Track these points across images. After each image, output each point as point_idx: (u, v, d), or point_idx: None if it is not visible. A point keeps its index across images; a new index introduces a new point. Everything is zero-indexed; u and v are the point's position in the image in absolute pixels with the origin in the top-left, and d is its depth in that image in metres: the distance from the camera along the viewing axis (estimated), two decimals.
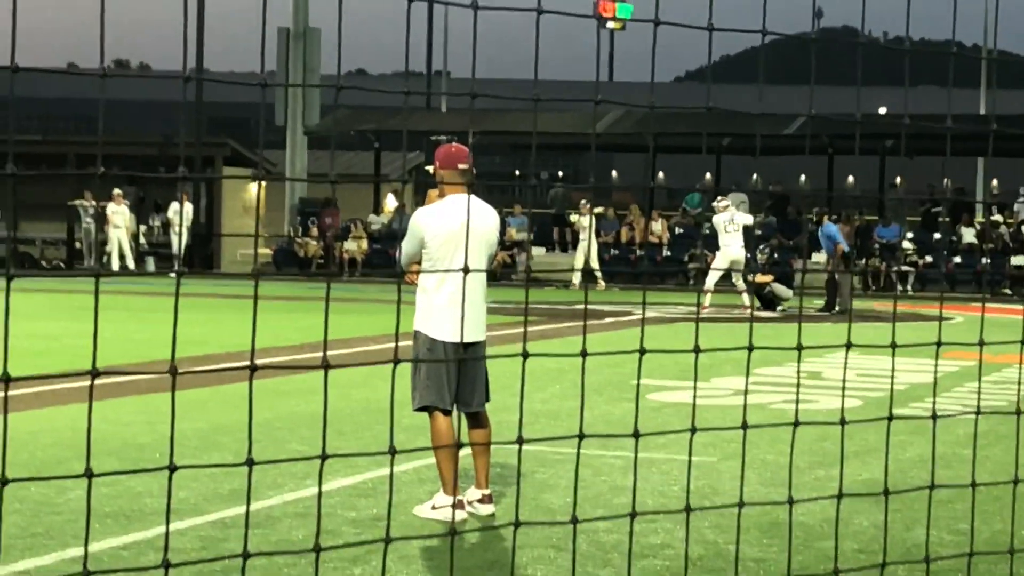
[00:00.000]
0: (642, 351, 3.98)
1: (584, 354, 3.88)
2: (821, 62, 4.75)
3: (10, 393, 3.24)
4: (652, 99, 3.87)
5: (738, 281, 27.96)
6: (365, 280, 37.13)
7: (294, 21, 44.08)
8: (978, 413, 5.22)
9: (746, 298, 27.45)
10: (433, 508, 8.65)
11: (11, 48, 2.86)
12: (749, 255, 27.88)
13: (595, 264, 34.31)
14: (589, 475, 9.87)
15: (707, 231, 30.84)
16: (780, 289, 28.16)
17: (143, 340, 17.91)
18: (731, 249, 27.27)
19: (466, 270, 4.08)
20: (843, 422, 4.57)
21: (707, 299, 27.26)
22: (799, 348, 4.42)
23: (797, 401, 4.62)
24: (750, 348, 4.23)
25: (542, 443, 10.26)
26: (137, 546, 7.74)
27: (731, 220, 27.42)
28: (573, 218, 38.12)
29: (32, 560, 7.35)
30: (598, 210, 36.24)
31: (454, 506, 6.03)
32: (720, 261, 27.26)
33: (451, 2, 3.63)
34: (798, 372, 4.47)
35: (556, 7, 3.79)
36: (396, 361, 3.53)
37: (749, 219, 28.06)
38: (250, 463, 3.40)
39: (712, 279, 27.67)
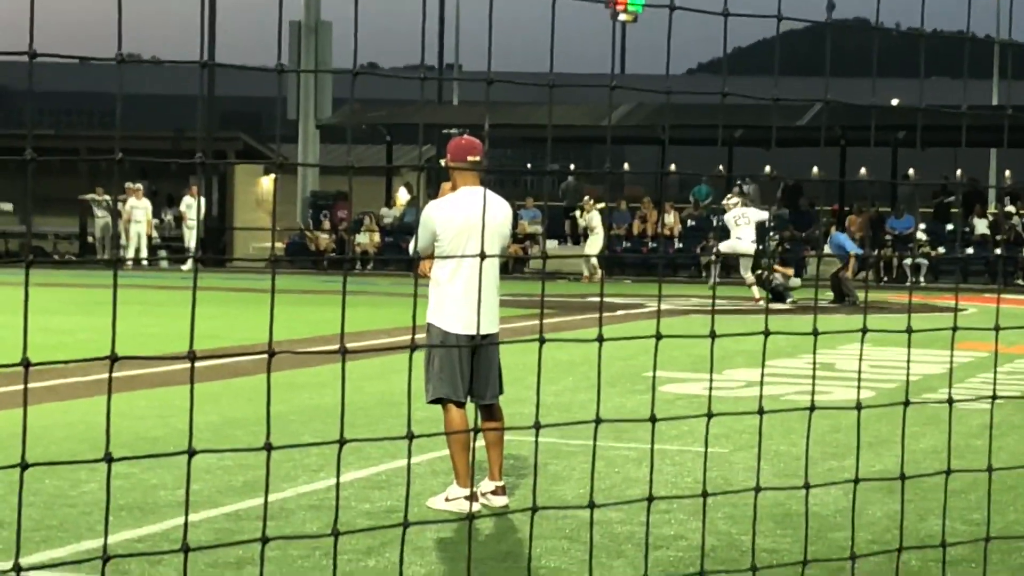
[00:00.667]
0: (658, 336, 3.98)
1: (600, 339, 3.87)
2: (833, 54, 4.74)
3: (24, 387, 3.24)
4: (669, 84, 3.86)
5: (747, 274, 27.99)
6: (377, 273, 37.18)
7: (305, 15, 44.07)
8: (994, 398, 5.20)
9: (756, 291, 27.50)
10: (447, 500, 8.65)
11: (29, 33, 2.87)
12: (761, 247, 27.94)
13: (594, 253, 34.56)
14: (602, 467, 9.87)
15: (719, 223, 30.92)
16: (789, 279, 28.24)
17: (156, 334, 17.95)
18: (742, 243, 27.36)
19: (483, 255, 4.08)
20: (859, 407, 4.56)
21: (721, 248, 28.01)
22: (815, 333, 4.41)
23: (813, 385, 4.60)
24: (766, 333, 4.23)
25: (555, 435, 10.26)
26: (152, 538, 7.76)
27: (742, 215, 27.52)
28: (580, 223, 37.79)
29: (47, 552, 7.36)
30: (602, 204, 36.16)
31: (469, 497, 6.02)
32: (727, 246, 27.55)
33: None
34: (814, 359, 4.45)
35: None
36: (413, 347, 3.52)
37: (763, 215, 28.14)
38: (268, 447, 3.40)
39: (725, 248, 28.11)
